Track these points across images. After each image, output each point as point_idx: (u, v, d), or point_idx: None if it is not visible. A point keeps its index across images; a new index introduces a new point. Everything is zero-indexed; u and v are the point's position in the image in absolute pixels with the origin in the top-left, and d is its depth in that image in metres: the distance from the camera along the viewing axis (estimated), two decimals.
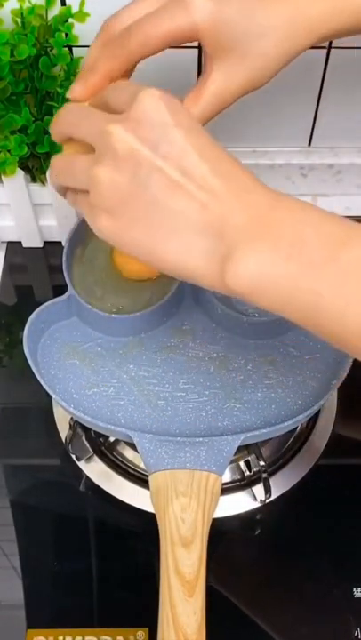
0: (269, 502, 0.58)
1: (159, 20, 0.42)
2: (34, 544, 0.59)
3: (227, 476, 0.60)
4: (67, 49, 0.61)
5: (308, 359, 0.57)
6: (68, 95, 0.46)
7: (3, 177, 0.67)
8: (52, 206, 0.71)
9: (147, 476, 0.50)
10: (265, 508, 0.58)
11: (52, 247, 0.76)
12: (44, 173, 0.68)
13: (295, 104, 0.69)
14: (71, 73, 0.62)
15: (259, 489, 0.58)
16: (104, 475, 0.60)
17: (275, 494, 0.58)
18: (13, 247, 0.76)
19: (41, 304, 0.57)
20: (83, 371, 0.57)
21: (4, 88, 0.61)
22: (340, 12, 0.44)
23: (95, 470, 0.61)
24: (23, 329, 0.55)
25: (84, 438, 0.59)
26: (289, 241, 0.35)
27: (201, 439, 0.50)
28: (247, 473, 0.59)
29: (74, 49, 0.63)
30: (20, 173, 0.66)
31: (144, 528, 0.58)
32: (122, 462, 0.61)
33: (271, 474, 0.59)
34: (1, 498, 0.61)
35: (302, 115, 0.71)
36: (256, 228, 0.36)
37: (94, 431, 0.58)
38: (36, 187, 0.69)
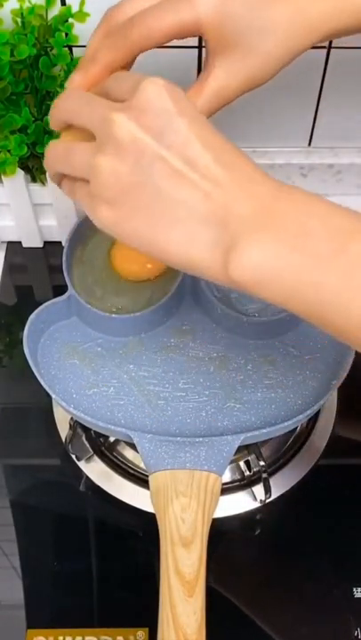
0: (269, 502, 0.58)
1: (162, 13, 0.42)
2: (34, 544, 0.59)
3: (227, 476, 0.60)
4: (67, 49, 0.61)
5: (308, 359, 0.57)
6: (67, 85, 0.45)
7: (3, 177, 0.67)
8: (52, 206, 0.71)
9: (147, 476, 0.50)
10: (265, 508, 0.58)
11: (52, 247, 0.76)
12: (44, 173, 0.68)
13: (295, 104, 0.69)
14: (71, 73, 0.62)
15: (259, 489, 0.58)
16: (104, 475, 0.60)
17: (275, 494, 0.58)
18: (13, 247, 0.76)
19: (41, 304, 0.57)
20: (83, 371, 0.57)
21: (4, 88, 0.61)
22: (340, 11, 0.44)
23: (95, 470, 0.61)
24: (23, 329, 0.55)
25: (84, 438, 0.59)
26: (293, 232, 0.35)
27: (201, 439, 0.50)
28: (247, 473, 0.59)
29: (74, 49, 0.63)
30: (20, 173, 0.66)
31: (144, 528, 0.58)
32: (122, 462, 0.61)
33: (271, 474, 0.59)
34: (1, 498, 0.61)
35: (302, 115, 0.71)
36: (260, 219, 0.35)
37: (94, 431, 0.58)
38: (36, 187, 0.69)
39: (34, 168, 0.69)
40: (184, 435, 0.53)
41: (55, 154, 0.41)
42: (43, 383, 0.53)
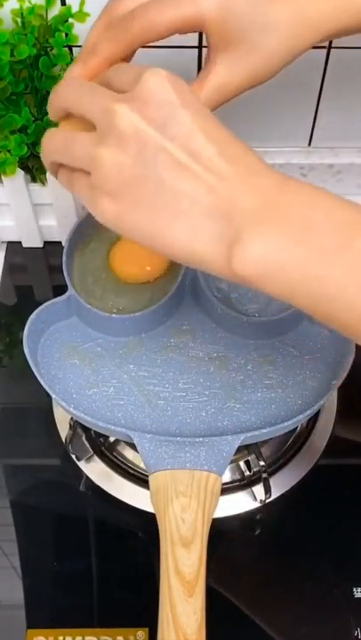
0: (269, 502, 0.58)
1: (165, 7, 0.41)
2: (34, 544, 0.59)
3: (227, 476, 0.60)
4: (67, 49, 0.61)
5: (308, 359, 0.57)
6: (65, 75, 0.44)
7: (3, 177, 0.67)
8: (52, 206, 0.71)
9: (147, 475, 0.50)
10: (265, 508, 0.58)
11: (52, 247, 0.76)
12: (44, 173, 0.68)
13: (295, 104, 0.69)
14: None
15: (259, 489, 0.58)
16: (104, 475, 0.60)
17: (275, 494, 0.58)
18: (13, 247, 0.76)
19: (41, 304, 0.57)
20: (83, 371, 0.57)
21: (4, 88, 0.61)
22: (341, 11, 0.43)
23: (95, 470, 0.61)
24: (23, 329, 0.55)
25: (84, 438, 0.59)
26: (298, 226, 0.34)
27: (201, 439, 0.50)
28: (247, 473, 0.59)
29: (74, 49, 0.63)
30: (20, 173, 0.66)
31: (144, 528, 0.58)
32: (122, 462, 0.61)
33: (271, 474, 0.59)
34: (1, 498, 0.61)
35: (302, 115, 0.71)
36: (264, 212, 0.35)
37: (94, 431, 0.58)
38: (36, 187, 0.69)
39: (34, 168, 0.69)
40: (184, 435, 0.53)
41: (53, 143, 0.40)
42: (43, 383, 0.53)
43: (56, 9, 0.61)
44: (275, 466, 0.61)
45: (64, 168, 0.41)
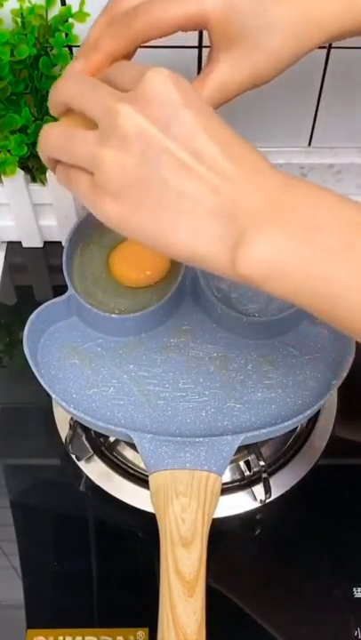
0: (269, 502, 0.58)
1: (168, 4, 0.41)
2: (34, 544, 0.59)
3: (227, 476, 0.60)
4: (67, 49, 0.61)
5: (308, 359, 0.57)
6: (66, 71, 0.44)
7: (3, 177, 0.67)
8: (52, 206, 0.71)
9: (147, 475, 0.50)
10: (265, 507, 0.58)
11: (52, 247, 0.76)
12: (44, 173, 0.68)
13: (295, 104, 0.69)
14: None
15: (259, 489, 0.58)
16: (104, 475, 0.60)
17: (275, 494, 0.58)
18: (13, 247, 0.76)
19: (41, 304, 0.57)
20: (83, 371, 0.57)
21: (4, 88, 0.61)
22: (345, 13, 0.43)
23: (95, 470, 0.61)
24: (23, 329, 0.55)
25: (84, 438, 0.59)
26: (302, 225, 0.34)
27: (201, 439, 0.50)
28: (247, 473, 0.59)
29: (74, 49, 0.63)
30: (20, 173, 0.66)
31: (144, 528, 0.58)
32: (122, 462, 0.61)
33: (271, 474, 0.59)
34: (1, 498, 0.61)
35: (302, 115, 0.71)
36: (268, 212, 0.35)
37: (94, 431, 0.58)
38: (36, 187, 0.69)
39: (34, 168, 0.69)
40: (184, 435, 0.53)
41: (53, 139, 0.40)
42: (43, 383, 0.53)
43: (56, 9, 0.61)
44: (275, 466, 0.61)
45: (62, 164, 0.40)
